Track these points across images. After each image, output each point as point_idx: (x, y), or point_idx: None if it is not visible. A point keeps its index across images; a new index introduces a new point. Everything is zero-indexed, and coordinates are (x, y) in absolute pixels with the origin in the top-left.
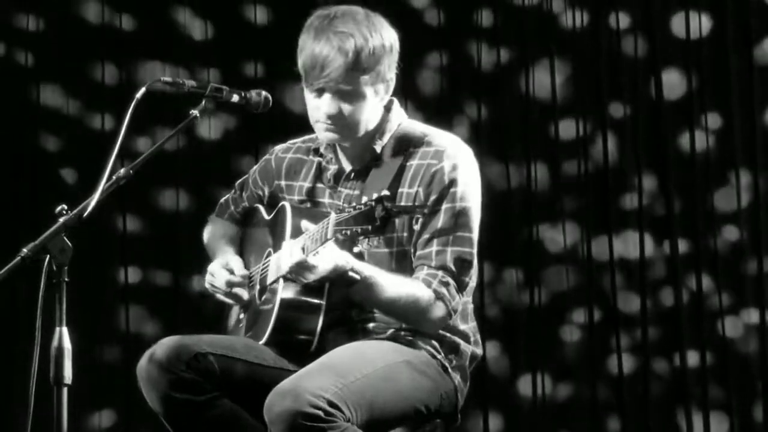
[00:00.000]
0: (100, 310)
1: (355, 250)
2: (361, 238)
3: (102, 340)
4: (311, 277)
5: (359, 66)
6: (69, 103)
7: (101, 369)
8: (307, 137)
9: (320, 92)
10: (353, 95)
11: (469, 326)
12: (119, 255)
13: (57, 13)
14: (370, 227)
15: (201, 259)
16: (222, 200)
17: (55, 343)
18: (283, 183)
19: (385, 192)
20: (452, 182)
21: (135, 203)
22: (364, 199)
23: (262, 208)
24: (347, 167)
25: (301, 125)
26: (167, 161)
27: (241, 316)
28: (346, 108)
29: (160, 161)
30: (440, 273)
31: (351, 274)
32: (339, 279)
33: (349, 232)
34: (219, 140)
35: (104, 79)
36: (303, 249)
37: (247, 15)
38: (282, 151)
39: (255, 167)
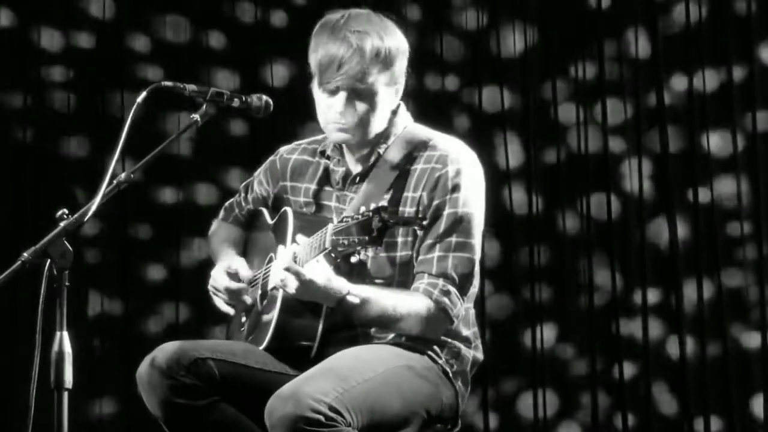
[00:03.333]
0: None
1: (353, 260)
2: (359, 248)
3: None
4: (303, 291)
5: (376, 65)
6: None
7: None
8: (312, 139)
9: (334, 91)
10: (368, 94)
11: (471, 331)
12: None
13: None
14: (367, 238)
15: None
16: (227, 204)
17: (55, 347)
18: (288, 184)
19: (383, 203)
20: (455, 187)
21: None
22: (362, 209)
23: (266, 212)
24: (354, 169)
25: None
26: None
27: (243, 319)
28: (361, 107)
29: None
30: (441, 281)
31: (350, 298)
32: (337, 304)
33: (346, 242)
34: None
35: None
36: (295, 258)
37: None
38: (287, 152)
39: (260, 168)
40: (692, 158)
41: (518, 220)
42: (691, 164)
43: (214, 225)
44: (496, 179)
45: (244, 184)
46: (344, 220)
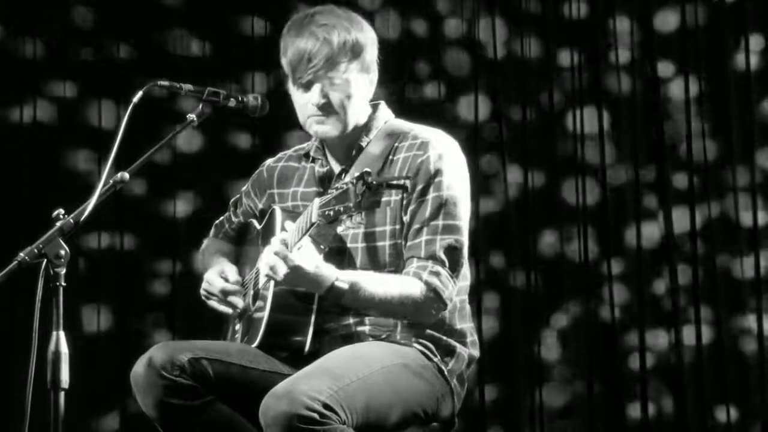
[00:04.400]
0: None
1: (339, 229)
2: (344, 216)
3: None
4: (291, 278)
5: (345, 53)
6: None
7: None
8: (297, 147)
9: (308, 85)
10: (342, 83)
11: (467, 325)
12: None
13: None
14: (351, 204)
15: None
16: (216, 221)
17: (52, 347)
18: (275, 191)
19: (366, 169)
20: (438, 171)
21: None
22: (346, 179)
23: (255, 222)
24: (338, 167)
25: None
26: None
27: (237, 326)
28: (336, 96)
29: None
30: (430, 263)
31: (339, 284)
32: (327, 292)
33: (332, 212)
34: None
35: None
36: (284, 243)
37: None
38: (273, 162)
39: (247, 183)
40: (690, 155)
41: (517, 221)
42: (689, 161)
43: (205, 242)
44: (496, 182)
45: (233, 199)
46: (329, 192)
